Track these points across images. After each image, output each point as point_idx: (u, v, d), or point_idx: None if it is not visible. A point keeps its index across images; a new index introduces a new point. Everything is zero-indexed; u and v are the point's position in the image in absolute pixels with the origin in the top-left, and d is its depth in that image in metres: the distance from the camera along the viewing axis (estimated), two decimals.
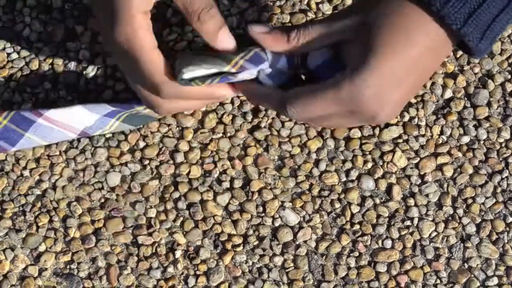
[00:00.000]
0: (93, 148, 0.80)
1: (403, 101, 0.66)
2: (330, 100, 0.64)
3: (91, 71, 0.82)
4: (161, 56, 0.67)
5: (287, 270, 0.79)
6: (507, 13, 0.65)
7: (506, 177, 0.80)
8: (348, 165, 0.80)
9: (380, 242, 0.79)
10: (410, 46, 0.63)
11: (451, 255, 0.79)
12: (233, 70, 0.68)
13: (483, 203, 0.80)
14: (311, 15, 0.83)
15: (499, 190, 0.80)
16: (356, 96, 0.63)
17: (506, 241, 0.79)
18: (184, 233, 0.79)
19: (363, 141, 0.81)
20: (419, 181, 0.80)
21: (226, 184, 0.80)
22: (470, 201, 0.80)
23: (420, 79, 0.66)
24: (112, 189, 0.80)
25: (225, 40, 0.67)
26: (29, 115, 0.75)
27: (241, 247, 0.79)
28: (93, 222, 0.79)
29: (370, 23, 0.64)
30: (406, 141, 0.81)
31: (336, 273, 0.79)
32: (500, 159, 0.81)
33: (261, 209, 0.79)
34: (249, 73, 0.68)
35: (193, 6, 0.66)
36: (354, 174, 0.80)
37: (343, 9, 0.69)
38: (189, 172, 0.80)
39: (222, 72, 0.67)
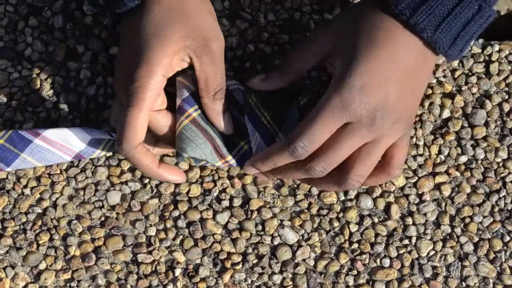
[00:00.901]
0: (93, 167, 0.81)
1: (405, 99, 0.68)
2: (325, 116, 0.66)
3: (91, 90, 0.82)
4: (146, 120, 0.70)
5: None
6: (477, 21, 0.68)
7: (504, 196, 0.81)
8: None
9: (378, 260, 0.80)
10: (390, 52, 0.67)
11: (449, 273, 0.79)
12: (222, 166, 0.75)
13: (480, 222, 0.80)
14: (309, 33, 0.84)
15: (496, 209, 0.81)
16: (346, 97, 0.66)
17: (503, 260, 0.80)
18: (184, 251, 0.79)
19: None
20: (417, 200, 0.81)
21: (226, 203, 0.80)
22: (468, 220, 0.80)
23: (411, 81, 0.68)
24: (113, 207, 0.80)
25: (227, 124, 0.73)
26: (27, 134, 0.76)
27: (240, 265, 0.79)
28: (93, 240, 0.80)
29: (345, 35, 0.69)
30: (405, 160, 0.81)
31: None
32: (498, 178, 0.81)
33: (260, 227, 0.80)
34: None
35: (215, 83, 0.71)
36: (352, 193, 0.81)
37: (319, 28, 0.74)
38: (189, 190, 0.80)
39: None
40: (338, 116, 0.66)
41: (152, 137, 0.74)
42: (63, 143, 0.76)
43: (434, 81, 0.83)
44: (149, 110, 0.69)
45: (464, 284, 0.79)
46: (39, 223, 0.80)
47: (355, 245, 0.80)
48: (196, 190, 0.80)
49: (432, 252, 0.80)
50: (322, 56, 0.72)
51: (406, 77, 0.67)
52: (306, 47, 0.72)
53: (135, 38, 0.70)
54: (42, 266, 0.79)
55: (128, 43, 0.72)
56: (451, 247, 0.80)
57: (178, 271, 0.79)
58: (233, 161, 0.74)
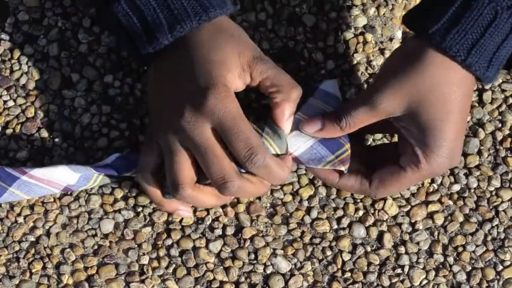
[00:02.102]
0: (87, 195, 0.81)
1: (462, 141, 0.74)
2: (414, 181, 0.74)
3: (86, 118, 0.83)
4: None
5: None
6: (511, 40, 0.68)
7: (497, 225, 0.81)
8: (340, 212, 0.81)
9: None
10: (460, 107, 0.70)
11: None
12: None
13: (473, 251, 0.80)
14: (303, 63, 0.84)
15: (489, 238, 0.81)
16: (436, 172, 0.73)
17: None
18: (177, 280, 0.80)
19: None
20: (410, 229, 0.81)
21: (219, 231, 0.81)
22: (460, 249, 0.80)
23: (463, 116, 0.72)
24: (106, 236, 0.80)
25: (288, 125, 0.74)
26: (13, 172, 0.76)
27: None
28: (86, 268, 0.80)
29: (416, 102, 0.70)
30: None
31: None
32: (491, 207, 0.81)
33: (253, 256, 0.80)
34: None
35: (284, 88, 0.72)
36: (345, 222, 0.81)
37: (378, 84, 0.72)
38: (182, 219, 0.81)
39: None
40: (423, 179, 0.75)
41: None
42: (50, 179, 0.76)
43: None
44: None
45: None
46: (32, 251, 0.80)
47: (348, 274, 0.80)
48: (189, 219, 0.81)
49: (425, 281, 0.80)
50: (387, 117, 0.72)
51: (466, 117, 0.73)
52: (372, 108, 0.71)
53: (184, 70, 0.71)
54: None
55: (174, 78, 0.72)
56: (444, 276, 0.80)
57: None
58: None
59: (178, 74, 0.71)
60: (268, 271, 0.80)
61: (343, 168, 0.74)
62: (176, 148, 0.71)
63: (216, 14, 0.71)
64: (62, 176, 0.76)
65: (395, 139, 0.82)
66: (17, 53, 0.85)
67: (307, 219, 0.81)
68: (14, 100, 0.84)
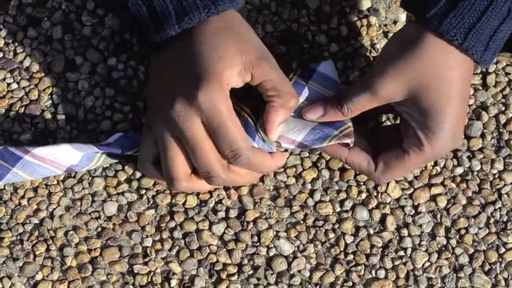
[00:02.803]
0: (90, 178, 0.81)
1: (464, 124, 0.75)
2: (418, 164, 0.74)
3: (89, 101, 0.83)
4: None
5: None
6: (508, 23, 0.68)
7: (499, 208, 0.81)
8: (343, 195, 0.81)
9: (373, 272, 0.80)
10: (460, 91, 0.70)
11: (444, 285, 0.80)
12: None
13: (476, 234, 0.81)
14: (307, 46, 0.84)
15: (492, 221, 0.81)
16: (439, 154, 0.73)
17: (498, 271, 0.80)
18: (180, 262, 0.80)
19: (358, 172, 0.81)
20: (413, 211, 0.81)
21: (222, 214, 0.81)
22: (463, 231, 0.81)
23: (464, 99, 0.72)
24: (109, 218, 0.81)
25: (277, 133, 0.74)
26: (16, 151, 0.76)
27: (235, 276, 0.80)
28: (89, 251, 0.80)
29: (416, 87, 0.70)
30: None
31: None
32: (493, 190, 0.82)
33: (256, 238, 0.80)
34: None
35: (284, 92, 0.72)
36: (348, 205, 0.81)
37: (378, 69, 0.72)
38: (185, 202, 0.81)
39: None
40: (426, 162, 0.75)
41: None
42: (53, 159, 0.77)
43: None
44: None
45: None
46: (36, 233, 0.80)
47: (351, 257, 0.80)
48: (192, 201, 0.81)
49: (427, 264, 0.80)
50: (388, 102, 0.73)
51: (467, 101, 0.74)
52: (373, 94, 0.72)
53: (185, 62, 0.71)
54: (39, 276, 0.80)
55: (174, 69, 0.72)
56: (446, 259, 0.80)
57: (174, 282, 0.79)
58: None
59: (178, 66, 0.72)
60: (271, 254, 0.80)
61: (348, 140, 0.75)
62: (168, 141, 0.71)
63: (225, 8, 0.71)
64: (64, 156, 0.76)
65: (398, 121, 0.82)
66: (20, 36, 0.85)
67: (310, 202, 0.81)
68: (18, 83, 0.84)
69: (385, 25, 0.86)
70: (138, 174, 0.81)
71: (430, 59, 0.69)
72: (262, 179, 0.81)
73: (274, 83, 0.71)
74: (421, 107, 0.70)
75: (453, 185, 0.82)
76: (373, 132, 0.81)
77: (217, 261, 0.80)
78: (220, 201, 0.81)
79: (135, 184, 0.81)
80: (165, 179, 0.73)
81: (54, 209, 0.81)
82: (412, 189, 0.81)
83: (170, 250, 0.80)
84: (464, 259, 0.80)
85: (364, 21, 0.86)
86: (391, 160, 0.75)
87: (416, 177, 0.81)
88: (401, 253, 0.80)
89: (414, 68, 0.69)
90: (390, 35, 0.85)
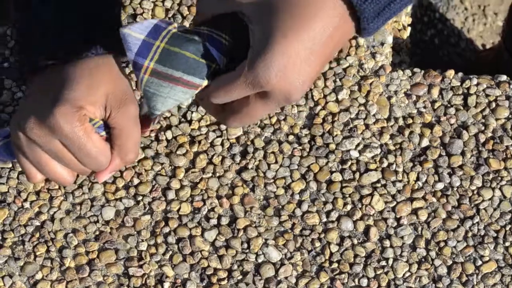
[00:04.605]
0: (90, 183, 0.85)
1: (311, 78, 0.64)
2: (243, 84, 0.64)
3: None
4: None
5: None
6: (399, 1, 0.64)
7: (477, 222, 0.85)
8: (329, 206, 0.85)
9: (356, 280, 0.84)
10: (311, 28, 0.62)
11: None
12: (197, 92, 0.69)
13: (454, 247, 0.85)
14: None
15: (470, 234, 0.85)
16: (262, 78, 0.62)
17: (475, 283, 0.84)
18: (173, 266, 0.84)
19: (344, 185, 0.86)
20: (395, 223, 0.85)
21: (214, 221, 0.85)
22: (442, 244, 0.85)
23: (325, 55, 0.64)
24: (107, 222, 0.85)
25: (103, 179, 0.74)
26: None
27: (225, 281, 0.84)
28: (87, 253, 0.84)
29: (269, 3, 0.63)
30: (384, 185, 0.86)
31: None
32: (472, 205, 0.86)
33: (245, 245, 0.84)
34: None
35: (127, 146, 0.72)
36: (334, 215, 0.85)
37: None
38: (180, 208, 0.85)
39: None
40: (252, 86, 0.64)
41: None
42: None
43: (415, 111, 0.88)
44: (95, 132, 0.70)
45: None
46: (37, 235, 0.84)
47: (335, 265, 0.84)
48: (186, 208, 0.85)
49: (408, 274, 0.84)
50: (237, 9, 0.65)
51: (323, 56, 0.64)
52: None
53: (53, 86, 0.71)
54: (39, 276, 0.83)
55: (42, 92, 0.72)
56: (426, 269, 0.84)
57: (166, 285, 0.83)
58: (206, 83, 0.68)
59: (45, 90, 0.72)
60: (260, 260, 0.84)
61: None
62: (22, 149, 0.72)
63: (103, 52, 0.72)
64: None
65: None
66: None
67: (298, 212, 0.85)
68: (23, 92, 0.88)
69: (373, 47, 0.91)
70: (135, 181, 0.85)
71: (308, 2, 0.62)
72: (253, 189, 0.85)
73: (121, 135, 0.71)
74: (263, 26, 0.63)
75: (434, 200, 0.86)
76: None
77: (208, 266, 0.84)
78: (212, 209, 0.85)
79: (132, 190, 0.85)
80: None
81: (55, 212, 0.85)
82: (395, 202, 0.86)
83: (164, 254, 0.84)
84: (442, 270, 0.84)
85: (353, 42, 0.91)
86: (221, 82, 0.66)
87: (399, 191, 0.86)
88: (383, 263, 0.84)
89: None
90: (378, 56, 0.90)
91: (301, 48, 0.62)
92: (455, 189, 0.86)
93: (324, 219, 0.85)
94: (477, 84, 0.89)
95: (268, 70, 0.62)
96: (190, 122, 0.87)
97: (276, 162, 0.86)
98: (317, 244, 0.84)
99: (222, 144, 0.87)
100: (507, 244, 0.85)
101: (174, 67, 0.66)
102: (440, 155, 0.87)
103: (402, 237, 0.85)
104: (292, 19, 0.62)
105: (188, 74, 0.66)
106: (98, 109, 0.69)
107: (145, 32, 0.66)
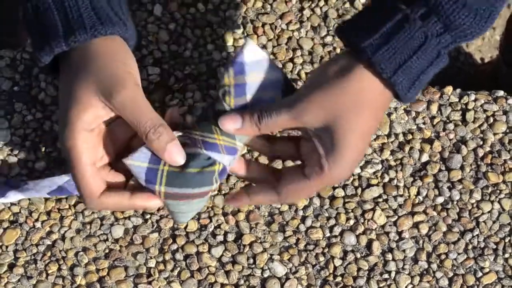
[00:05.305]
0: None
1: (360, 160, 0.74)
2: (316, 188, 0.72)
3: None
4: (93, 173, 0.70)
5: None
6: (435, 66, 0.69)
7: (477, 235, 0.87)
8: (332, 221, 0.87)
9: None
10: (370, 129, 0.70)
11: None
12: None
13: (455, 259, 0.87)
14: (300, 83, 0.91)
15: (470, 247, 0.87)
16: (334, 182, 0.73)
17: None
18: (181, 282, 0.86)
19: (346, 200, 0.88)
20: (397, 237, 0.87)
21: (220, 238, 0.87)
22: (443, 256, 0.87)
23: (370, 136, 0.72)
24: (116, 240, 0.87)
25: (174, 153, 0.70)
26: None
27: None
28: (98, 270, 0.86)
29: (335, 117, 0.69)
30: (386, 200, 0.88)
31: None
32: (472, 218, 0.88)
33: (251, 260, 0.86)
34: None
35: (140, 127, 0.69)
36: (337, 230, 0.87)
37: (303, 94, 0.71)
38: (187, 226, 0.87)
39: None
40: (322, 186, 0.72)
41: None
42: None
43: (414, 127, 0.90)
44: (92, 165, 0.70)
45: None
46: (49, 254, 0.86)
47: (339, 279, 0.86)
48: (193, 226, 0.87)
49: (410, 286, 0.86)
50: (304, 126, 0.71)
51: (370, 137, 0.72)
52: (293, 117, 0.70)
53: (59, 101, 0.71)
54: None
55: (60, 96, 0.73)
56: (428, 282, 0.86)
57: None
58: (218, 184, 0.72)
59: (60, 95, 0.72)
60: (266, 275, 0.86)
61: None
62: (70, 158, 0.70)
63: (113, 31, 0.71)
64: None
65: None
66: (36, 71, 0.92)
67: (302, 227, 0.87)
68: (33, 115, 0.90)
69: None
70: None
71: (354, 94, 0.69)
72: (258, 206, 0.88)
73: (131, 121, 0.69)
74: (332, 136, 0.69)
75: (435, 213, 0.88)
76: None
77: (216, 281, 0.86)
78: (219, 226, 0.87)
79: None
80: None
81: (65, 231, 0.87)
82: (396, 217, 0.88)
83: (172, 270, 0.86)
84: (444, 282, 0.86)
85: None
86: (293, 187, 0.72)
87: (400, 206, 0.88)
88: (386, 276, 0.86)
89: (337, 100, 0.69)
90: None
91: (364, 148, 0.71)
92: (455, 202, 0.88)
93: (328, 234, 0.87)
94: (475, 100, 0.92)
95: (345, 171, 0.70)
96: None
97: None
98: (321, 258, 0.87)
99: None
100: (506, 255, 0.86)
101: (184, 185, 0.70)
102: (440, 170, 0.89)
103: (404, 250, 0.87)
104: (356, 130, 0.69)
105: (199, 187, 0.70)
106: (95, 116, 0.69)
107: (147, 160, 0.70)
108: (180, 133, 0.71)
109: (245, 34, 0.94)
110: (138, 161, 0.69)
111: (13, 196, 0.85)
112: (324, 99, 0.69)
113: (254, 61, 0.72)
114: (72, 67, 0.70)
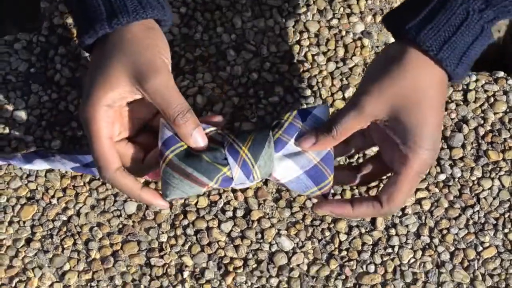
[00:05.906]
0: None
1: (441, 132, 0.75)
2: (415, 179, 0.72)
3: None
4: (111, 145, 0.72)
5: None
6: (480, 41, 0.71)
7: (477, 211, 0.90)
8: (338, 197, 0.90)
9: (364, 266, 0.88)
10: (438, 103, 0.72)
11: (427, 279, 0.88)
12: (205, 190, 0.74)
13: (456, 234, 0.89)
14: (307, 65, 0.94)
15: (471, 222, 0.89)
16: (427, 162, 0.71)
17: (476, 267, 0.88)
18: (192, 256, 0.88)
19: None
20: (400, 213, 0.90)
21: (229, 214, 0.90)
22: (445, 231, 0.89)
23: (439, 109, 0.73)
24: (129, 216, 0.90)
25: (198, 138, 0.73)
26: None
27: (241, 269, 0.88)
28: (111, 245, 0.89)
29: (400, 102, 0.70)
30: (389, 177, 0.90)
31: None
32: (473, 195, 0.90)
33: (259, 236, 0.89)
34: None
35: (170, 111, 0.71)
36: None
37: (363, 88, 0.72)
38: (197, 202, 0.90)
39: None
40: (420, 176, 0.73)
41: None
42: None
43: None
44: (109, 138, 0.72)
45: None
46: (64, 229, 0.89)
47: (344, 253, 0.88)
48: (203, 202, 0.90)
49: (413, 260, 0.88)
50: (373, 120, 0.72)
51: (442, 110, 0.73)
52: (359, 112, 0.71)
53: (87, 75, 0.73)
54: (66, 267, 0.88)
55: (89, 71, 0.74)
56: (430, 256, 0.88)
57: (186, 274, 0.88)
58: (215, 185, 0.74)
59: (89, 71, 0.74)
60: (273, 249, 0.89)
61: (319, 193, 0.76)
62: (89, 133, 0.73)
63: (153, 15, 0.73)
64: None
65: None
66: (52, 53, 0.95)
67: (308, 203, 0.90)
68: (49, 96, 0.93)
69: (377, 47, 0.95)
70: None
71: (412, 76, 0.71)
72: (266, 183, 0.90)
73: (160, 105, 0.71)
74: (404, 121, 0.70)
75: (437, 190, 0.90)
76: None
77: (225, 255, 0.88)
78: (228, 202, 0.90)
79: (152, 185, 0.90)
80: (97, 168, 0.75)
81: (80, 207, 0.90)
82: None
83: (183, 245, 0.89)
84: (445, 256, 0.88)
85: (358, 43, 0.95)
86: (390, 189, 0.73)
87: None
88: (389, 250, 0.88)
89: (398, 84, 0.70)
90: None
91: (439, 122, 0.72)
92: (456, 179, 0.91)
93: None
94: (476, 80, 0.94)
95: (429, 149, 0.71)
96: None
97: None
98: (327, 233, 0.89)
99: None
100: (506, 230, 0.89)
101: (187, 163, 0.72)
102: (442, 148, 0.92)
103: (407, 226, 0.89)
104: (424, 108, 0.71)
105: (198, 172, 0.72)
106: (124, 94, 0.71)
107: (174, 132, 0.73)
108: (214, 129, 0.74)
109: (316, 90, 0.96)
110: (168, 129, 0.72)
111: (39, 164, 0.88)
112: (385, 87, 0.71)
113: (317, 117, 0.75)
114: (108, 45, 0.72)
